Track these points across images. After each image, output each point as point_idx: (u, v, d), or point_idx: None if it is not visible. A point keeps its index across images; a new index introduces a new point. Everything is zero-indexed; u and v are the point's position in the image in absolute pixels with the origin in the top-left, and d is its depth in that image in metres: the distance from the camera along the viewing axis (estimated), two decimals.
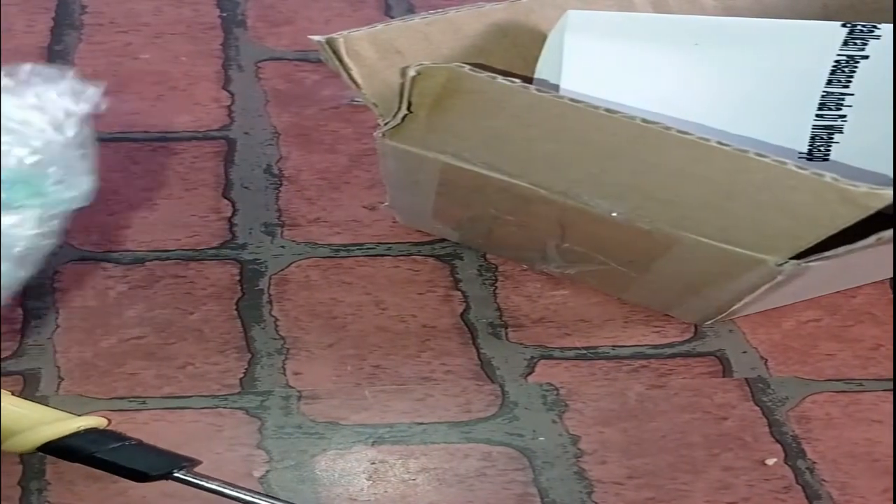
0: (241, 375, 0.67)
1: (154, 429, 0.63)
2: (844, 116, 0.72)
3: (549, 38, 0.74)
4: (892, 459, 0.64)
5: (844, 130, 0.72)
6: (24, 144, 0.62)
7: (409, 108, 0.68)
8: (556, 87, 0.72)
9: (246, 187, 0.80)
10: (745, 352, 0.70)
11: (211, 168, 0.81)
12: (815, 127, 0.72)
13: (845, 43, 0.72)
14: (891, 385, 0.68)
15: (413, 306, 0.72)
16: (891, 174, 0.69)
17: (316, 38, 0.71)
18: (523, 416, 0.66)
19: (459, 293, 0.73)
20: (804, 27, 0.74)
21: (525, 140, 0.68)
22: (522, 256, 0.74)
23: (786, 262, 0.64)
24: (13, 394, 0.63)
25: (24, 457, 0.61)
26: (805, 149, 0.73)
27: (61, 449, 0.60)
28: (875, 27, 0.72)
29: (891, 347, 0.70)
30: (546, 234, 0.71)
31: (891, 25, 0.72)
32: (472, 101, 0.67)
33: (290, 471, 0.62)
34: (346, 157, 0.82)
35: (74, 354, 0.67)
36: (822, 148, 0.73)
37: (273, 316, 0.71)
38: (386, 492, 0.61)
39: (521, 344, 0.70)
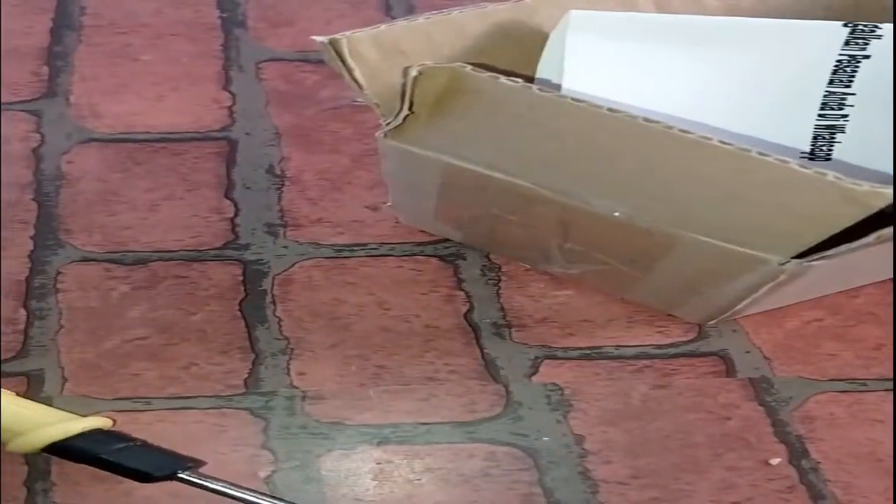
0: (245, 376, 0.67)
1: (158, 429, 0.63)
2: (846, 116, 0.72)
3: (551, 37, 0.74)
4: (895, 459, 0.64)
5: (846, 130, 0.72)
6: None
7: (410, 109, 0.68)
8: (557, 87, 0.72)
9: (248, 188, 0.80)
10: (748, 352, 0.70)
11: (212, 169, 0.81)
12: (817, 126, 0.72)
13: (847, 42, 0.72)
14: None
15: (416, 306, 0.72)
16: (892, 173, 0.69)
17: (319, 38, 0.71)
18: (527, 416, 0.65)
19: (463, 293, 0.73)
20: (806, 27, 0.74)
21: (527, 140, 0.68)
22: (525, 256, 0.74)
23: (788, 262, 0.64)
24: (17, 395, 0.63)
25: (29, 457, 0.61)
26: (807, 148, 0.72)
27: (66, 450, 0.60)
28: (876, 27, 0.72)
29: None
30: (548, 234, 0.70)
31: (892, 25, 0.72)
32: (473, 100, 0.67)
33: (295, 471, 0.62)
34: (348, 157, 0.82)
35: (78, 355, 0.67)
36: (824, 147, 0.72)
37: (276, 316, 0.71)
38: (391, 492, 0.61)
39: (525, 344, 0.70)
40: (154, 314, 0.70)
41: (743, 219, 0.64)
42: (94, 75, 0.89)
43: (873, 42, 0.72)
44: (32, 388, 0.65)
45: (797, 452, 0.64)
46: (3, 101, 0.86)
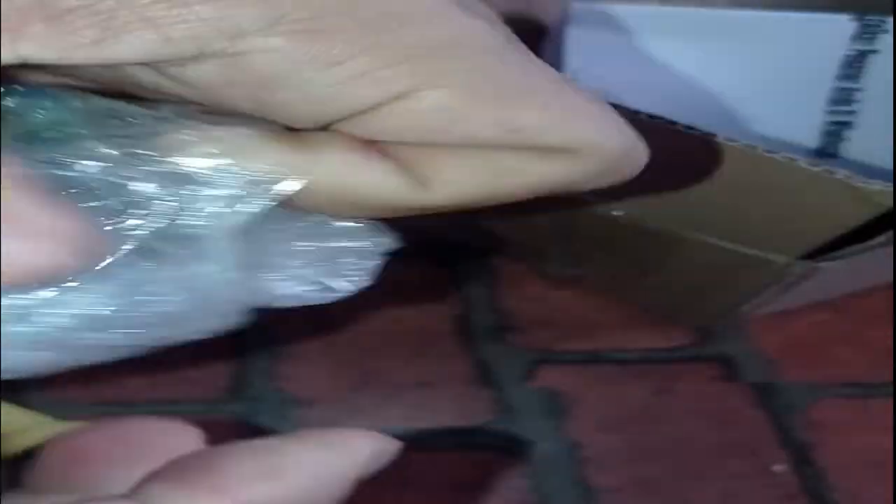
0: (233, 380, 0.65)
1: None
2: (855, 112, 0.72)
3: (551, 31, 0.74)
4: None
5: (855, 126, 0.72)
6: None
7: None
8: None
9: None
10: (752, 355, 0.69)
11: None
12: (825, 122, 0.72)
13: (855, 37, 0.72)
14: None
15: (410, 308, 0.71)
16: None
17: None
18: (524, 422, 0.64)
19: (458, 295, 0.72)
20: (813, 20, 0.74)
21: None
22: (524, 257, 0.73)
23: (795, 263, 0.63)
24: None
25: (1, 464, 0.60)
26: (815, 145, 0.73)
27: None
28: (884, 20, 0.72)
29: None
30: (548, 234, 0.70)
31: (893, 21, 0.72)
32: None
33: None
34: None
35: None
36: (832, 144, 0.72)
37: (265, 318, 0.69)
38: (383, 500, 0.60)
39: (522, 347, 0.69)
40: None
41: (749, 219, 0.63)
42: None
43: (881, 36, 0.72)
44: (10, 391, 0.64)
45: (801, 459, 0.63)
46: None
